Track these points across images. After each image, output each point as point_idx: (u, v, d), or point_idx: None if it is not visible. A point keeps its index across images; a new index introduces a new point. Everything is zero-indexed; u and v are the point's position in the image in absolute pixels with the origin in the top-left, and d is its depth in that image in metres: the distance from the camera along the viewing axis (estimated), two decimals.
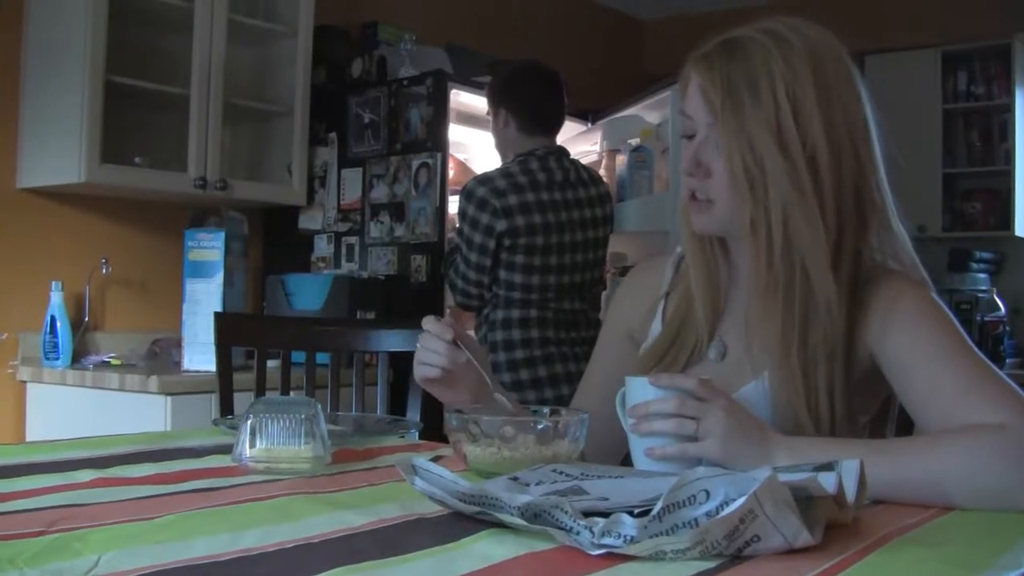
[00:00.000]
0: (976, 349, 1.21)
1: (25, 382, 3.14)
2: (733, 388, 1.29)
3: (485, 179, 3.00)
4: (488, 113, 3.16)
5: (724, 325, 1.39)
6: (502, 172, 3.01)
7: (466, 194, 2.98)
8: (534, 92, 3.10)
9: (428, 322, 1.40)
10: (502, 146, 3.13)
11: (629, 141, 3.82)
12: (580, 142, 4.01)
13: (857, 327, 1.26)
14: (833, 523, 0.89)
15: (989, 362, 1.20)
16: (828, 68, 1.26)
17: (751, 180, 1.24)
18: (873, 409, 1.35)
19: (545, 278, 3.01)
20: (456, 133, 3.72)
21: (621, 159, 3.83)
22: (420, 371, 1.40)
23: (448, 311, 3.53)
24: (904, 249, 1.33)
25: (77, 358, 3.13)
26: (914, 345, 1.23)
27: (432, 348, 1.38)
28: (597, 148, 4.03)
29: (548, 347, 2.97)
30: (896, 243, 1.32)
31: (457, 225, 3.06)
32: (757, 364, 1.31)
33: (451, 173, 3.56)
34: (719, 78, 1.25)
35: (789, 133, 1.22)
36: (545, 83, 3.13)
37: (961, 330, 1.24)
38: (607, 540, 0.81)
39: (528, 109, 3.08)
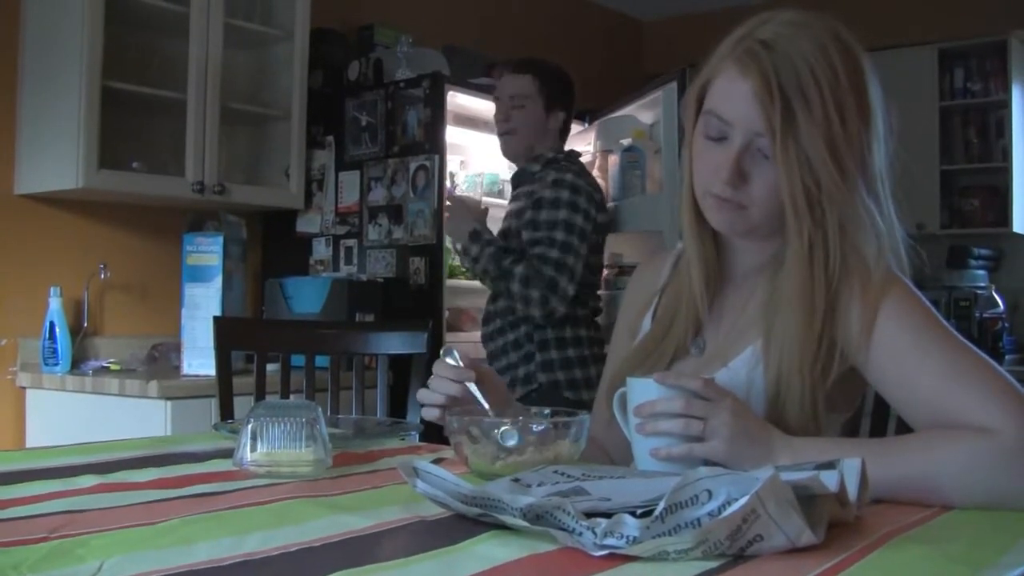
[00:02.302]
0: (959, 336, 1.19)
1: (25, 388, 3.14)
2: None
3: (580, 171, 3.03)
4: (522, 100, 3.06)
5: (707, 321, 1.39)
6: (580, 165, 3.07)
7: (571, 186, 2.91)
8: (575, 99, 3.19)
9: (440, 367, 1.38)
10: (536, 138, 3.08)
11: (621, 141, 3.82)
12: (576, 142, 4.01)
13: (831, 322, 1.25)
14: (835, 522, 0.88)
15: (973, 348, 1.18)
16: (860, 68, 1.25)
17: (810, 200, 1.22)
18: (851, 408, 1.34)
19: (595, 276, 3.13)
20: (453, 135, 3.72)
21: (614, 159, 3.83)
22: (424, 412, 1.39)
23: (447, 313, 3.53)
24: (895, 244, 1.31)
25: (76, 363, 3.13)
26: (895, 341, 1.20)
27: (437, 389, 1.37)
28: (591, 149, 4.03)
29: (582, 348, 3.00)
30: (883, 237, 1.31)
31: (560, 216, 2.88)
32: (726, 353, 1.31)
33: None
34: (775, 89, 1.20)
35: (840, 144, 1.21)
36: None
37: (931, 307, 1.22)
38: (610, 541, 0.81)
39: (572, 114, 3.18)
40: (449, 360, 1.37)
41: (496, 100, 3.13)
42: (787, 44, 1.22)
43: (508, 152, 3.13)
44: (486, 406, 1.33)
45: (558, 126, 3.10)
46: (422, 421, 1.45)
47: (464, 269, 3.31)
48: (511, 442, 1.18)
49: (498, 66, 3.33)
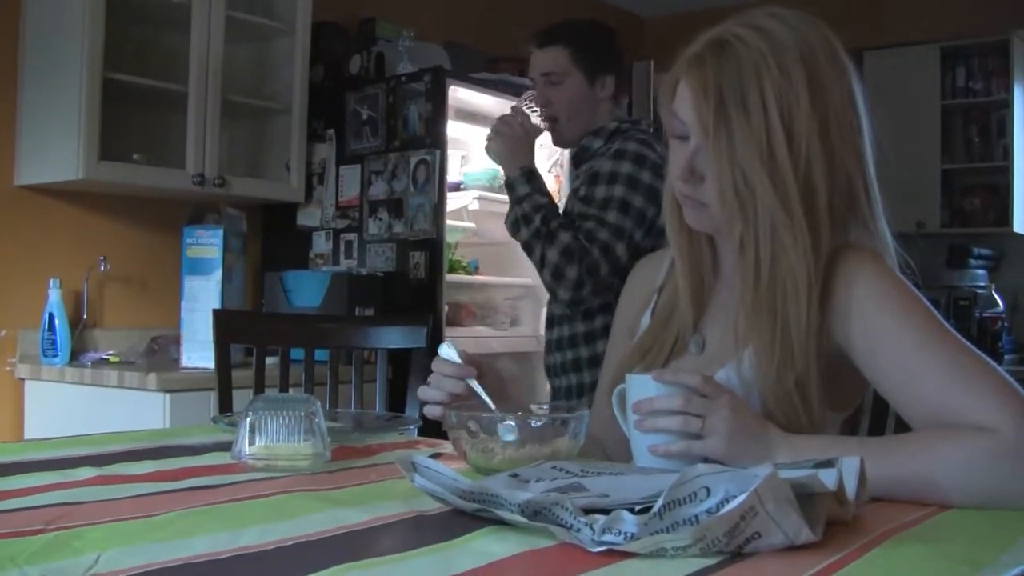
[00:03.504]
0: (946, 325, 1.19)
1: (24, 379, 3.14)
2: None
3: (646, 140, 2.50)
4: (559, 77, 2.59)
5: (705, 318, 1.39)
6: (648, 133, 2.55)
7: (634, 157, 2.43)
8: (624, 59, 2.77)
9: (440, 365, 1.37)
10: (587, 113, 2.61)
11: None
12: None
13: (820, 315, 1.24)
14: (834, 520, 0.88)
15: (962, 339, 1.17)
16: (823, 69, 1.24)
17: (741, 201, 1.23)
18: (852, 404, 1.34)
19: None
20: (454, 129, 3.72)
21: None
22: (427, 411, 1.39)
23: (447, 307, 3.53)
24: (886, 249, 1.31)
25: (76, 355, 3.13)
26: (881, 330, 1.20)
27: (437, 386, 1.36)
28: None
29: None
30: (877, 242, 1.30)
31: (616, 193, 2.42)
32: (725, 354, 1.31)
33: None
34: (710, 92, 1.22)
35: (780, 154, 1.20)
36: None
37: (928, 305, 1.21)
38: (608, 537, 0.81)
39: (622, 76, 2.72)
40: (448, 356, 1.37)
41: (532, 83, 2.67)
42: (740, 47, 1.23)
43: (559, 140, 2.68)
44: (490, 403, 1.32)
45: (610, 92, 2.62)
46: (421, 416, 1.44)
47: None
48: (509, 437, 1.18)
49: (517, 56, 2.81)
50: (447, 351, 1.38)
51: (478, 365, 1.37)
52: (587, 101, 2.60)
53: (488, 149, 2.59)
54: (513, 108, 2.62)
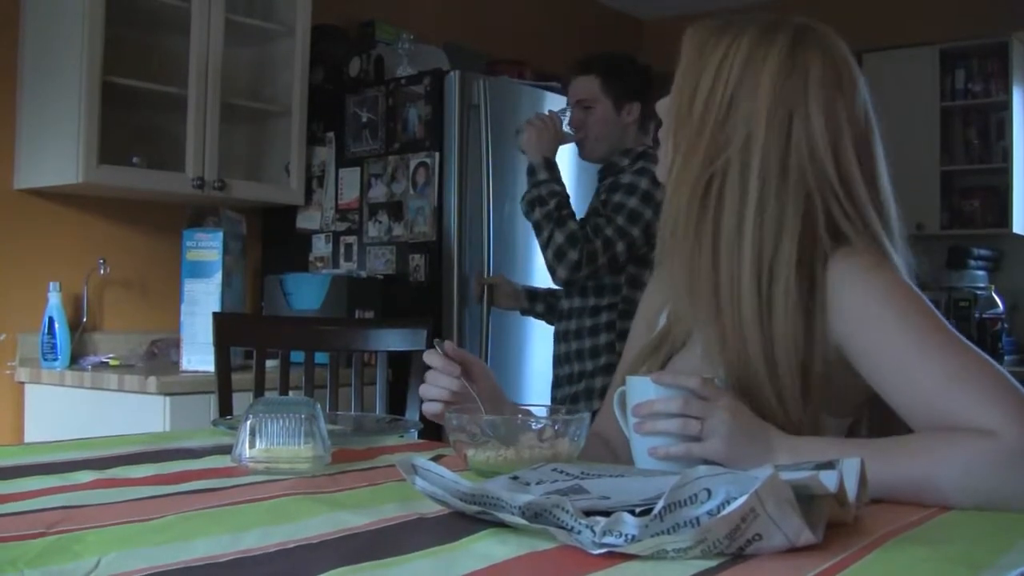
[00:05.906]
0: (948, 325, 1.18)
1: (23, 383, 3.14)
2: None
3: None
4: (589, 103, 2.93)
5: None
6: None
7: (653, 177, 2.67)
8: (649, 85, 3.00)
9: (430, 357, 1.38)
10: (614, 136, 2.94)
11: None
12: None
13: (813, 317, 1.23)
14: (834, 522, 0.88)
15: (963, 339, 1.17)
16: (845, 87, 1.26)
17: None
18: (852, 410, 1.31)
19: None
20: None
21: None
22: (425, 408, 1.40)
23: (446, 312, 3.52)
24: (907, 265, 1.30)
25: (75, 359, 3.13)
26: (880, 331, 1.19)
27: (435, 383, 1.38)
28: None
29: None
30: (898, 258, 1.29)
31: (630, 204, 2.75)
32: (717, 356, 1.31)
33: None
34: (671, 101, 1.27)
35: (801, 171, 1.23)
36: None
37: (930, 305, 1.20)
38: (608, 539, 0.81)
39: (649, 101, 2.93)
40: (438, 352, 1.38)
41: (570, 105, 2.98)
42: (710, 54, 1.27)
43: (588, 157, 3.00)
44: (480, 403, 1.33)
45: (634, 119, 2.93)
46: (421, 419, 1.44)
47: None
48: (509, 439, 1.18)
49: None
50: (436, 348, 1.39)
51: (472, 370, 1.38)
52: (614, 125, 2.91)
53: (519, 138, 2.91)
54: (549, 111, 2.95)
